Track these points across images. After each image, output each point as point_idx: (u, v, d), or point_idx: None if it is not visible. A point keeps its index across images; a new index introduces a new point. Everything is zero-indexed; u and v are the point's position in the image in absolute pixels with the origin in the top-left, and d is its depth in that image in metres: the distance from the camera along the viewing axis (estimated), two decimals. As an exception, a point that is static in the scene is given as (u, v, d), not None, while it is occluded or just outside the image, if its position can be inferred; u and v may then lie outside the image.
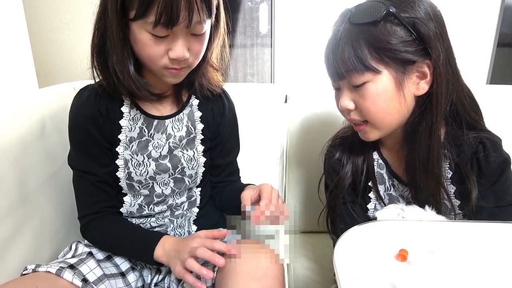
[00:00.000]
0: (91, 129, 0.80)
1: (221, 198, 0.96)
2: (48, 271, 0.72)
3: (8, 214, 0.80)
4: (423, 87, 0.71)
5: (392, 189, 0.84)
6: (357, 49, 0.68)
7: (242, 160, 0.99)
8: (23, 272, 0.74)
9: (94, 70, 0.78)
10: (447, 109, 0.72)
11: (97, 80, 0.80)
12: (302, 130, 1.17)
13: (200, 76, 0.84)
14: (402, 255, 0.52)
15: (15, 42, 1.58)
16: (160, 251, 0.77)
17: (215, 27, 0.79)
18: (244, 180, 0.99)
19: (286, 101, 1.22)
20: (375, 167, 0.85)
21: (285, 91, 1.22)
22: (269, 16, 2.08)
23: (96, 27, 0.74)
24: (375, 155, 0.85)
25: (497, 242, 0.58)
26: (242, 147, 0.99)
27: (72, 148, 0.83)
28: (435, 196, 0.75)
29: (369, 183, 0.85)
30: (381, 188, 0.85)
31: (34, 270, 0.73)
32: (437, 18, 0.70)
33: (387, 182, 0.84)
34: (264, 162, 1.18)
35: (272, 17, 2.08)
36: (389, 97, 0.71)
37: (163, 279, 0.89)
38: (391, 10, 0.67)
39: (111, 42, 0.72)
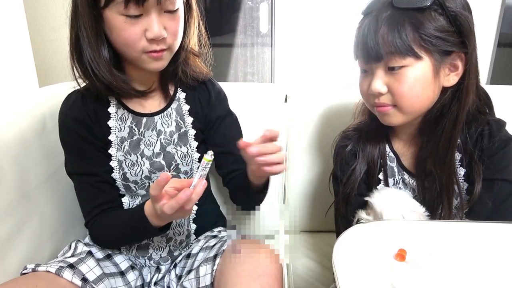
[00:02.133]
0: (82, 131, 0.80)
1: (232, 191, 0.93)
2: (48, 271, 0.72)
3: (8, 212, 0.80)
4: (453, 79, 0.73)
5: (401, 182, 0.85)
6: (402, 32, 0.68)
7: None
8: (23, 272, 0.74)
9: (75, 70, 0.77)
10: (472, 103, 0.75)
11: (80, 81, 0.80)
12: (302, 130, 1.17)
13: (183, 64, 0.84)
14: (401, 255, 0.52)
15: (15, 40, 1.58)
16: (156, 220, 0.73)
17: (187, 9, 0.79)
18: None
19: (286, 101, 1.22)
20: (386, 160, 0.86)
21: (285, 90, 1.22)
22: (269, 15, 2.08)
23: (71, 26, 0.74)
24: (387, 148, 0.86)
25: (496, 243, 0.58)
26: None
27: (66, 154, 0.83)
28: (448, 186, 0.77)
29: (379, 175, 0.86)
30: (390, 181, 0.86)
31: (33, 270, 0.73)
32: (471, 12, 0.72)
33: (396, 176, 0.85)
34: (264, 161, 1.18)
35: (272, 17, 2.08)
36: (425, 84, 0.71)
37: (162, 277, 0.89)
38: None
39: (83, 34, 0.72)
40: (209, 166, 0.68)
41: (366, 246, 0.56)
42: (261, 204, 0.86)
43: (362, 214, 0.79)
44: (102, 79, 0.75)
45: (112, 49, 0.75)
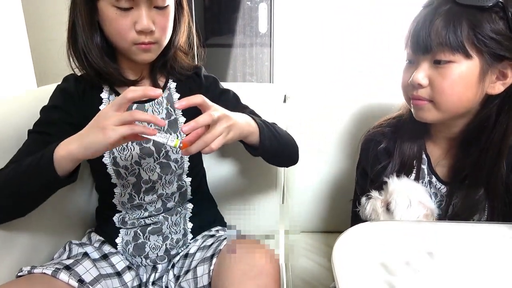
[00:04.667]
0: (63, 102, 0.83)
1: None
2: (44, 273, 0.71)
3: (4, 213, 0.80)
4: (499, 88, 0.70)
5: (428, 186, 0.84)
6: (457, 27, 0.67)
7: (240, 161, 0.99)
8: (18, 274, 0.73)
9: (71, 59, 0.82)
10: None
11: (76, 69, 0.84)
12: (301, 130, 1.17)
13: (171, 60, 0.88)
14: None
15: (13, 40, 1.57)
16: (62, 148, 0.66)
17: (179, 8, 0.84)
18: (241, 181, 0.98)
19: (285, 101, 1.21)
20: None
21: (284, 91, 1.22)
22: (268, 15, 2.08)
23: (69, 15, 0.79)
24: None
25: (496, 243, 0.58)
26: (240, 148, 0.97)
27: (38, 119, 0.82)
28: (494, 198, 0.75)
29: (410, 176, 0.84)
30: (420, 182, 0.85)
31: (29, 272, 0.72)
32: None
33: (426, 178, 0.84)
34: (262, 162, 1.17)
35: (271, 17, 2.08)
36: (468, 84, 0.69)
37: (160, 277, 0.89)
38: (501, 0, 0.66)
39: (79, 22, 0.77)
40: (168, 144, 0.69)
41: (366, 246, 0.56)
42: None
43: (373, 192, 0.79)
44: (93, 65, 0.79)
45: (106, 40, 0.80)
